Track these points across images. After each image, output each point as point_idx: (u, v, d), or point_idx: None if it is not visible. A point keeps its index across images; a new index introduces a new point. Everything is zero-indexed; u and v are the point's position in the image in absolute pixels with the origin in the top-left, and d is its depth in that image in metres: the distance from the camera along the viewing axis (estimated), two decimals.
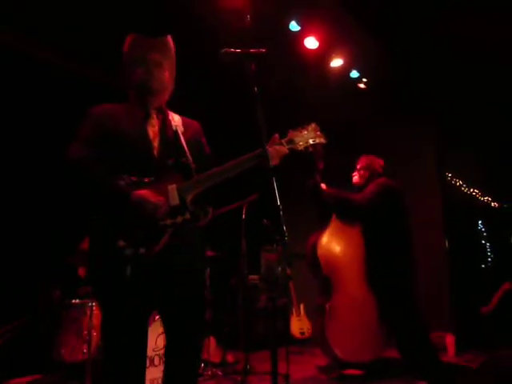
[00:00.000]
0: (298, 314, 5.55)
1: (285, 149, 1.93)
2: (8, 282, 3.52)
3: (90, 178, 1.77)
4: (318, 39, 4.23)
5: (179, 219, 1.76)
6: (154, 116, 1.98)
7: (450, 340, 4.68)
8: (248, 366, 3.87)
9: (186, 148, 1.91)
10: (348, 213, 3.64)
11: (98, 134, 1.84)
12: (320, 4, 3.79)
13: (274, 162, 1.86)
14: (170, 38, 2.02)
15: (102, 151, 1.80)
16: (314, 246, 3.94)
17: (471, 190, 6.45)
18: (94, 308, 3.37)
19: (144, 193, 1.72)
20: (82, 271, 3.67)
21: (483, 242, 6.91)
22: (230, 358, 4.46)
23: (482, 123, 5.34)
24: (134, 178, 1.77)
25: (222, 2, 3.56)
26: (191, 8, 3.61)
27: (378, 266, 3.49)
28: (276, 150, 1.89)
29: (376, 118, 5.28)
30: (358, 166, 3.74)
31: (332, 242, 3.91)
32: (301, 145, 1.97)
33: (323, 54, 4.47)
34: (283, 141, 1.95)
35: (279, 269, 3.79)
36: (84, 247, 3.80)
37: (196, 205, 1.83)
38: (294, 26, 4.01)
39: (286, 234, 1.65)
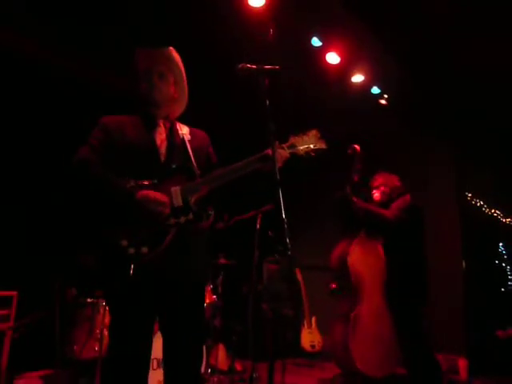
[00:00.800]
0: (310, 327, 5.53)
1: (286, 153, 1.98)
2: (25, 278, 3.64)
3: (96, 177, 1.85)
4: (339, 55, 4.28)
5: (182, 219, 1.82)
6: (162, 125, 2.06)
7: (462, 364, 4.59)
8: (254, 375, 3.89)
9: (191, 154, 1.99)
10: (377, 227, 3.71)
11: (106, 142, 1.93)
12: (341, 20, 3.84)
13: (278, 164, 1.88)
14: (172, 50, 2.10)
15: (110, 158, 1.89)
16: (344, 255, 3.95)
17: (492, 210, 6.33)
18: (107, 307, 3.47)
19: (148, 192, 1.79)
20: None
21: (503, 264, 6.75)
22: (238, 366, 4.49)
23: (504, 142, 5.26)
24: (139, 182, 1.84)
25: (246, 18, 3.65)
26: (215, 22, 3.72)
27: (396, 281, 3.56)
28: (278, 154, 1.93)
29: (395, 136, 5.28)
30: (376, 184, 3.83)
31: (360, 253, 3.92)
32: (301, 149, 2.01)
33: (344, 70, 4.51)
34: (285, 145, 2.01)
35: (280, 279, 3.83)
36: None
37: (199, 206, 1.88)
38: (315, 42, 4.08)
39: (289, 247, 1.69)
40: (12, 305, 3.35)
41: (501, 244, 6.76)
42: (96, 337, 3.45)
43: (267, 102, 1.87)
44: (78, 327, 3.53)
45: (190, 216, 1.84)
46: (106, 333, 3.37)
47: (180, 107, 2.17)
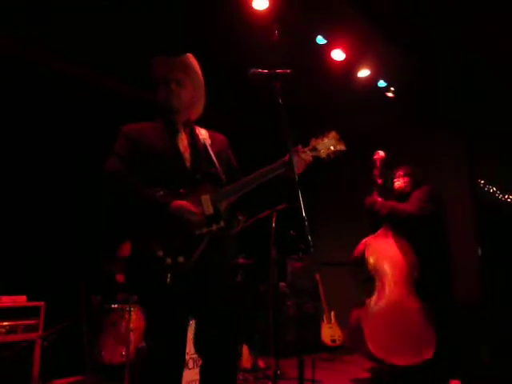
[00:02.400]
0: (329, 322, 5.56)
1: (309, 157, 2.03)
2: (53, 288, 3.74)
3: (129, 189, 1.88)
4: (344, 51, 4.31)
5: (214, 227, 1.85)
6: (182, 131, 2.08)
7: (483, 350, 4.61)
8: (278, 372, 3.94)
9: (215, 159, 2.02)
10: (400, 221, 3.85)
11: (131, 151, 1.95)
12: (344, 17, 3.87)
13: (299, 170, 1.97)
14: (190, 56, 2.10)
15: (137, 166, 1.92)
16: (365, 244, 4.05)
17: (506, 196, 6.30)
18: (132, 313, 3.54)
19: (182, 203, 1.82)
20: (120, 277, 3.86)
21: None
22: (261, 363, 4.55)
23: None
24: (168, 190, 1.87)
25: (250, 21, 3.70)
26: (220, 27, 3.78)
27: (424, 271, 3.71)
28: (301, 159, 2.00)
29: (405, 127, 5.30)
30: (401, 173, 4.01)
31: (380, 245, 4.01)
32: (323, 152, 2.06)
33: (350, 65, 4.54)
34: (307, 149, 2.06)
35: (304, 276, 3.92)
36: (121, 254, 4.01)
37: (229, 213, 1.93)
38: (320, 40, 4.11)
39: (312, 244, 1.74)
40: (40, 314, 3.45)
41: None
42: (122, 342, 3.52)
43: (280, 105, 1.92)
44: (105, 333, 3.60)
45: (222, 223, 1.86)
46: (132, 337, 3.45)
47: (198, 110, 2.18)
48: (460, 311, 4.29)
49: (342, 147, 2.09)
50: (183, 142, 2.05)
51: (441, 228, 3.90)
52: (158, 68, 2.08)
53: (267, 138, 3.86)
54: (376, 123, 4.98)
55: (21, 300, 3.43)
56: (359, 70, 4.64)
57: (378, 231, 4.06)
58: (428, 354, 3.56)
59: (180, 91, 2.05)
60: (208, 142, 2.09)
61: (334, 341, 5.42)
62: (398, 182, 3.97)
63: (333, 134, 2.10)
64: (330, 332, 5.48)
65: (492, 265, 5.29)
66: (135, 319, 3.59)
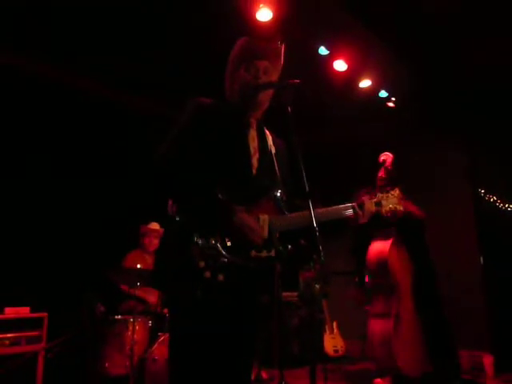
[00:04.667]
0: (332, 332, 5.55)
1: (373, 209, 1.88)
2: (56, 299, 3.71)
3: (189, 183, 1.63)
4: (346, 62, 4.35)
5: (264, 254, 1.64)
6: (254, 127, 1.86)
7: (487, 360, 4.57)
8: (283, 383, 3.92)
9: (278, 173, 1.82)
10: (414, 227, 3.85)
11: (194, 133, 1.69)
12: (347, 28, 3.91)
13: (363, 219, 1.85)
14: (283, 48, 1.89)
15: (198, 153, 1.66)
16: (383, 256, 3.89)
17: (506, 205, 6.32)
18: (136, 324, 3.52)
19: (247, 218, 1.59)
20: (124, 287, 3.83)
21: None
22: (264, 375, 4.51)
23: None
24: (230, 198, 1.62)
25: (254, 32, 3.73)
26: (223, 38, 3.80)
27: (422, 282, 3.76)
28: (369, 210, 1.86)
29: (407, 136, 5.33)
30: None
31: (397, 255, 3.86)
32: (384, 210, 1.91)
33: (353, 76, 4.58)
34: (373, 201, 1.90)
35: (316, 286, 3.86)
36: (125, 265, 4.00)
37: (281, 242, 1.72)
38: (322, 51, 4.16)
39: (322, 254, 1.71)
40: (43, 326, 3.43)
41: None
42: (126, 353, 3.48)
43: (289, 115, 1.90)
44: (109, 344, 3.57)
45: (273, 253, 1.66)
46: (135, 349, 3.41)
47: (266, 107, 1.93)
48: (463, 320, 4.30)
49: (400, 208, 1.92)
50: (254, 142, 1.82)
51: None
52: (246, 50, 1.83)
53: None
54: (377, 134, 5.00)
55: (24, 311, 3.41)
56: (361, 81, 4.68)
57: (393, 240, 3.90)
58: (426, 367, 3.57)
59: (266, 80, 1.82)
60: (273, 150, 1.88)
61: (336, 351, 5.40)
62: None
63: (397, 191, 1.94)
64: (332, 342, 5.46)
65: (494, 274, 5.29)
66: (139, 330, 3.57)
